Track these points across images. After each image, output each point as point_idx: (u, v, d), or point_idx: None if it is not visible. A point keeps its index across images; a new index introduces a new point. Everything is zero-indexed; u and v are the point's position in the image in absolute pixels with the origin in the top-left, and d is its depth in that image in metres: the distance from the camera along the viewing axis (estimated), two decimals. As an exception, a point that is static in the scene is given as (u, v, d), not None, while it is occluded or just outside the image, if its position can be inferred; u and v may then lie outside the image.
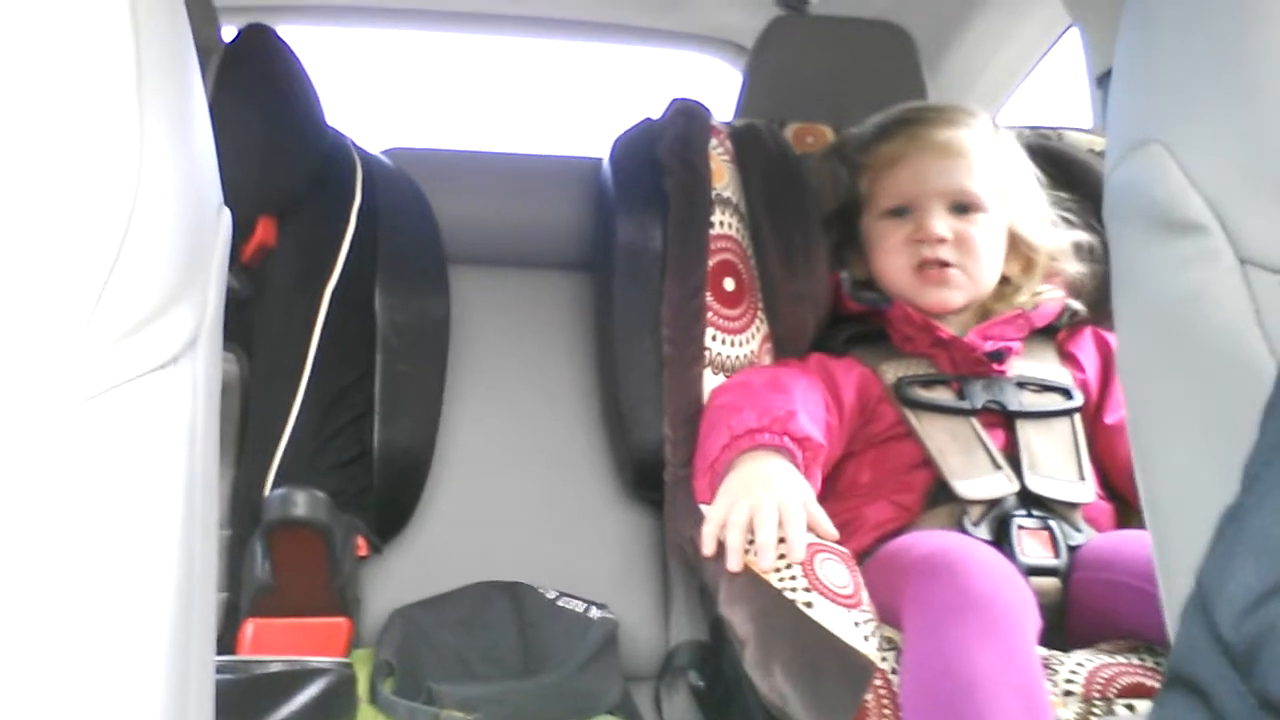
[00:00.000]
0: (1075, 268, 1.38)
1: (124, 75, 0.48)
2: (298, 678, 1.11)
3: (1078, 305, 1.39)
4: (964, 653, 0.97)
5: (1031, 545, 1.21)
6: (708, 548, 1.14)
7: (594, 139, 1.64)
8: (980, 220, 1.35)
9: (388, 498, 1.45)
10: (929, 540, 1.16)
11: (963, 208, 1.34)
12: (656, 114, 1.49)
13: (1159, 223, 0.54)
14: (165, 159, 0.50)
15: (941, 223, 1.33)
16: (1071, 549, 1.22)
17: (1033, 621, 1.04)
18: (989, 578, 1.03)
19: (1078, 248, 1.38)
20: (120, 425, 0.50)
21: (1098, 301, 1.39)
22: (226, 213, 0.64)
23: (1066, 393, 1.34)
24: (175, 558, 0.53)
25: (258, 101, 1.37)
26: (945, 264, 1.34)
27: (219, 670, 1.08)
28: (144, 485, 0.52)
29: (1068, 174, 1.44)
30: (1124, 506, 1.30)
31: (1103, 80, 1.48)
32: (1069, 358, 1.39)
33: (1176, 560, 0.55)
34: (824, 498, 1.18)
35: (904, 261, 1.35)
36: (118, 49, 0.48)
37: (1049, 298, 1.38)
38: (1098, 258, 1.37)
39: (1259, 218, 0.51)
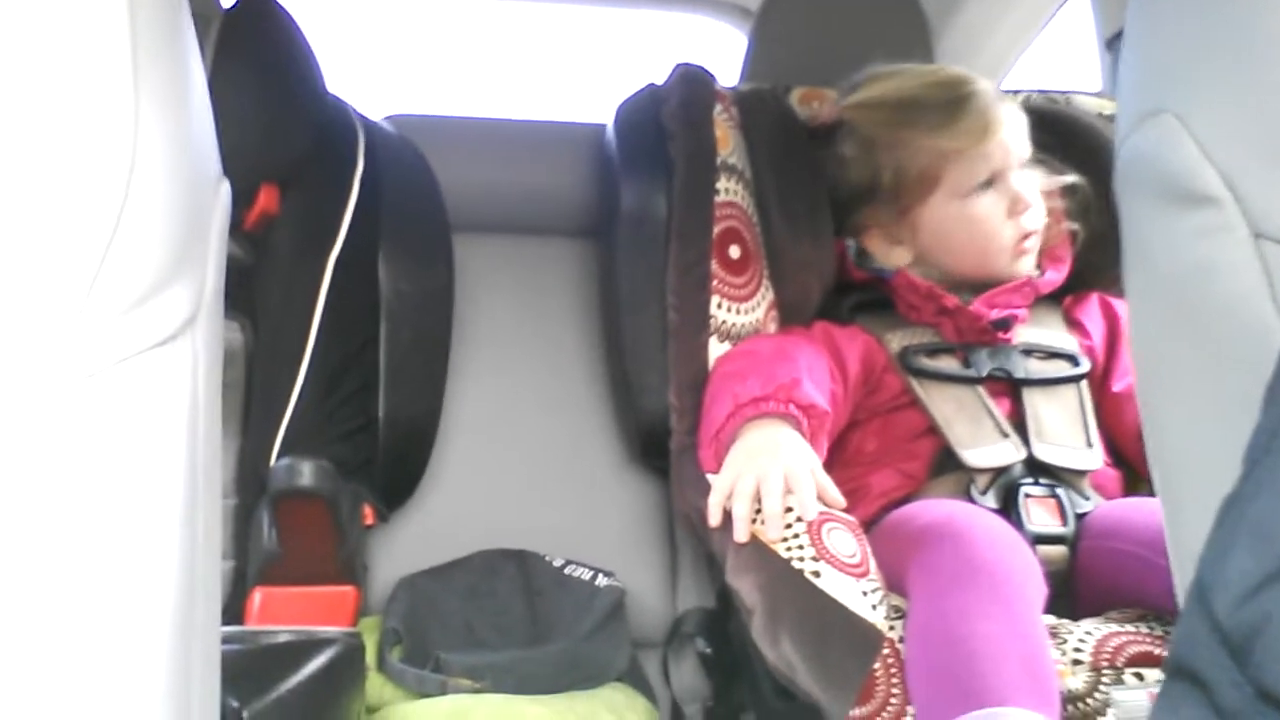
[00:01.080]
0: (1058, 203, 1.38)
1: (119, 48, 0.47)
2: (306, 647, 1.11)
3: (1074, 226, 1.38)
4: (967, 620, 0.97)
5: (1039, 513, 1.21)
6: (714, 518, 1.14)
7: (598, 104, 1.62)
8: (1030, 177, 1.34)
9: (394, 466, 1.45)
10: (934, 508, 1.16)
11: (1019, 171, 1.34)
12: (661, 79, 1.47)
13: (1171, 194, 0.54)
14: (161, 133, 0.49)
15: (1028, 189, 1.32)
16: (1079, 516, 1.21)
17: (1038, 589, 1.04)
18: (993, 545, 1.03)
19: (1069, 189, 1.37)
20: (122, 401, 0.50)
21: (1092, 260, 1.38)
22: (225, 184, 0.64)
23: (1073, 359, 1.33)
24: (178, 532, 0.53)
25: (257, 68, 1.35)
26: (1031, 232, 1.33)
27: (226, 641, 1.08)
28: (146, 460, 0.51)
29: (1076, 141, 1.43)
30: (1131, 473, 1.30)
31: (1112, 43, 1.46)
32: (1075, 324, 1.38)
33: (1187, 535, 0.55)
34: (829, 467, 1.18)
35: (1008, 239, 1.32)
36: (112, 21, 0.47)
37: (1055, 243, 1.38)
38: (1087, 201, 1.36)
39: (1273, 190, 0.50)
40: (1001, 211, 1.32)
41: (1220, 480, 0.44)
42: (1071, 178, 1.37)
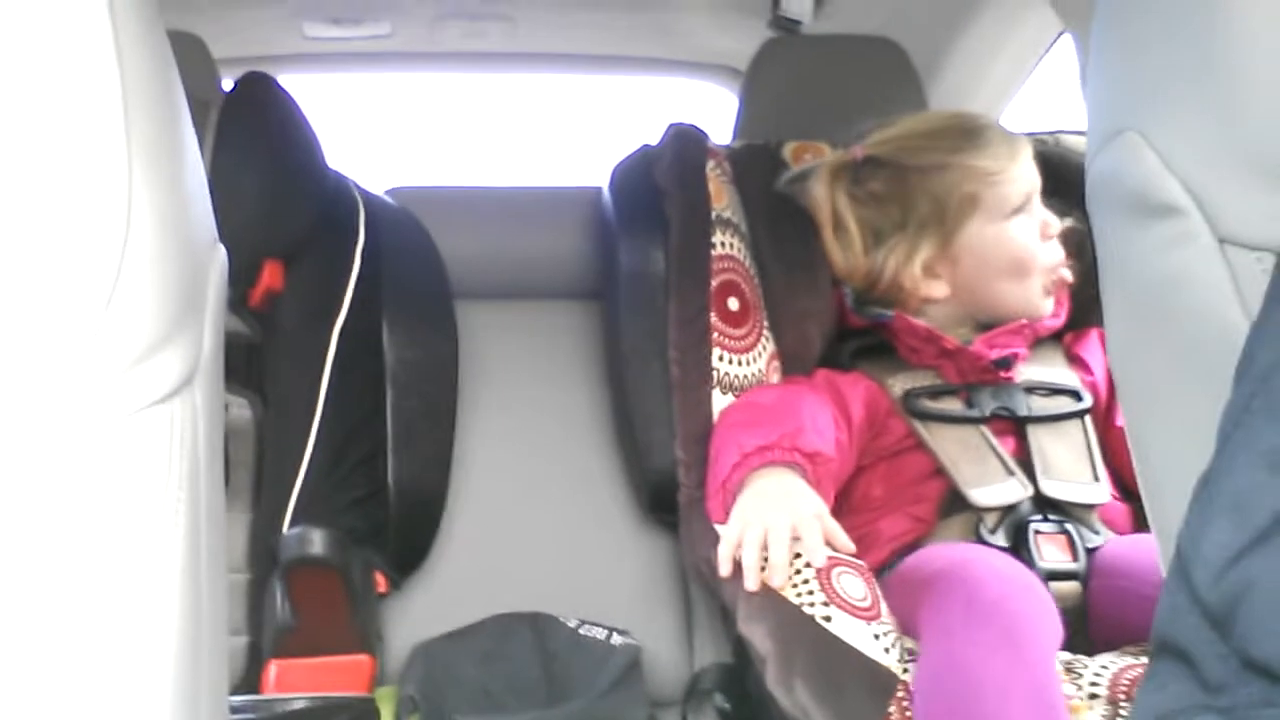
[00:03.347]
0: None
1: (112, 119, 0.49)
2: (320, 714, 1.11)
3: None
4: (973, 658, 0.97)
5: (1050, 550, 1.20)
6: (723, 568, 1.14)
7: (595, 170, 1.65)
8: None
9: (405, 533, 1.45)
10: (947, 553, 1.16)
11: None
12: (654, 141, 1.50)
13: (1138, 208, 0.55)
14: (154, 198, 0.51)
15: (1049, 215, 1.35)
16: (1090, 551, 1.21)
17: (1052, 628, 1.03)
18: (1001, 585, 1.03)
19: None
20: (120, 459, 0.51)
21: (1087, 296, 1.38)
22: (221, 250, 0.65)
23: (1076, 395, 1.34)
24: (179, 598, 0.53)
25: (258, 147, 1.38)
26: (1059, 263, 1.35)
27: (241, 710, 1.08)
28: (144, 519, 0.52)
29: (1066, 179, 1.44)
30: (1141, 506, 1.29)
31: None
32: (1076, 360, 1.39)
33: (1168, 526, 0.56)
34: (837, 514, 1.18)
35: (1044, 263, 1.34)
36: (105, 92, 0.49)
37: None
38: (1081, 239, 1.36)
39: (1234, 197, 0.51)
40: (1036, 234, 1.34)
41: (1197, 472, 0.44)
42: (1069, 221, 1.37)
